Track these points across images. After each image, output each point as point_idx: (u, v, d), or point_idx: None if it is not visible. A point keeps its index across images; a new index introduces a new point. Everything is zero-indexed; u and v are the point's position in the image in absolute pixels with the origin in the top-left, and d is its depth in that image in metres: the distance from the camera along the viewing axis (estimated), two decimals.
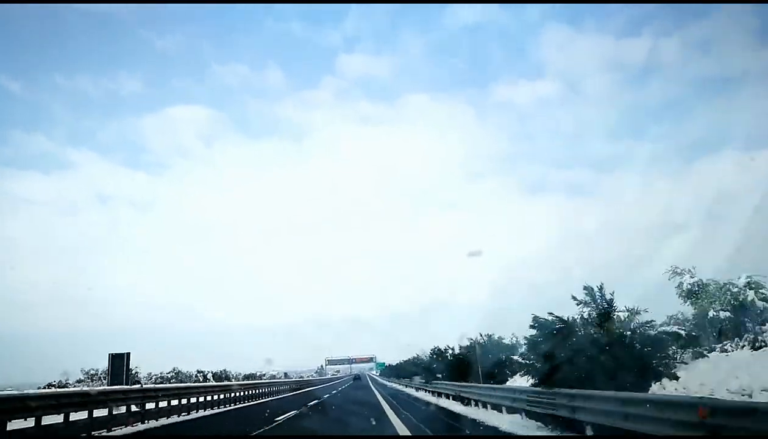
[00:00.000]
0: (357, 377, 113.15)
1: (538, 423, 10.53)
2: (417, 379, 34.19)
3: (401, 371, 50.62)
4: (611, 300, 11.28)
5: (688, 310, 21.43)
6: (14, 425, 9.14)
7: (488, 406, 15.32)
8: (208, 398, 19.95)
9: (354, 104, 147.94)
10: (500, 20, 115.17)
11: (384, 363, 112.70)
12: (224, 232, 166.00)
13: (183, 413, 16.90)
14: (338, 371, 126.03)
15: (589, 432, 8.09)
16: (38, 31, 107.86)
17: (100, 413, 11.90)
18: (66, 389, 19.62)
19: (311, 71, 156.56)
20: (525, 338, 14.89)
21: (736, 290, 19.22)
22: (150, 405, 14.74)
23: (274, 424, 13.45)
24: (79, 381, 26.47)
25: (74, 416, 10.70)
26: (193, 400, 18.11)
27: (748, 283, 19.20)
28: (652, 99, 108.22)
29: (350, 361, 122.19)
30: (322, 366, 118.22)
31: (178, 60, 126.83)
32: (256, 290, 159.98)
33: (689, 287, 20.53)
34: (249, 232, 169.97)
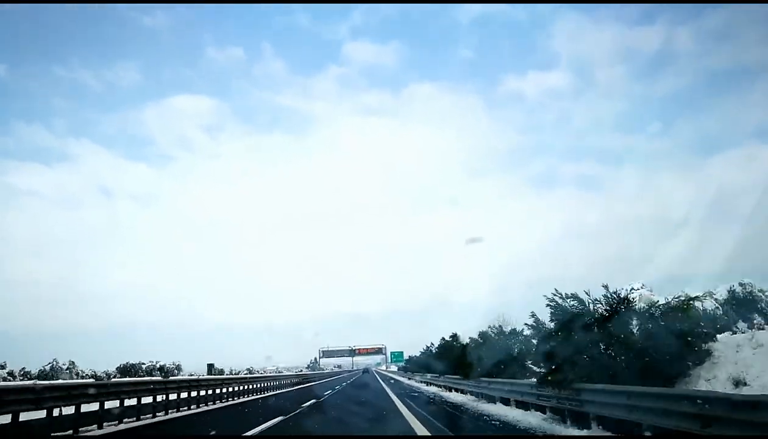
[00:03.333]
0: (366, 371, 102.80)
1: None
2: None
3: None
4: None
5: None
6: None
7: None
8: None
9: (359, 94, 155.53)
10: (510, 10, 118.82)
11: (402, 353, 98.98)
12: (220, 226, 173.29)
13: None
14: (340, 366, 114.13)
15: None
16: (32, 21, 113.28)
17: None
18: None
19: (315, 60, 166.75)
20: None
21: None
22: None
23: None
24: None
25: None
26: None
27: None
28: (665, 90, 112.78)
29: (352, 352, 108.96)
30: (315, 359, 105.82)
31: (177, 49, 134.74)
32: (254, 286, 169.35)
33: None
34: (246, 226, 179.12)
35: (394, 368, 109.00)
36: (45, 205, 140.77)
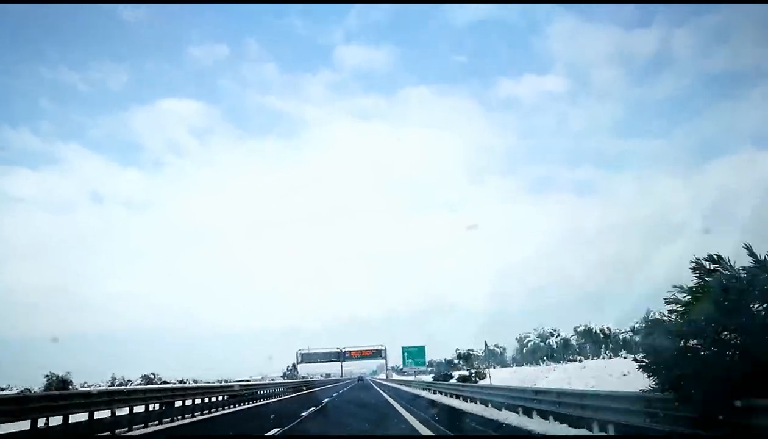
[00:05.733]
0: (360, 379, 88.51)
1: None
2: None
3: None
4: None
5: None
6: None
7: None
8: None
9: (352, 98, 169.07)
10: (504, 13, 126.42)
11: (424, 350, 77.02)
12: (211, 231, 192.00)
13: None
14: (329, 375, 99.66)
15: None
16: (17, 19, 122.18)
17: None
18: None
19: (308, 64, 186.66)
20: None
21: None
22: None
23: None
24: None
25: None
26: None
27: None
28: (664, 94, 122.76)
29: (341, 355, 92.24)
30: (293, 365, 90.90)
31: (167, 52, 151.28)
32: (244, 292, 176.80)
33: None
34: (237, 231, 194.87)
35: (397, 376, 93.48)
36: (33, 211, 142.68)
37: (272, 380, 66.72)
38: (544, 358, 66.32)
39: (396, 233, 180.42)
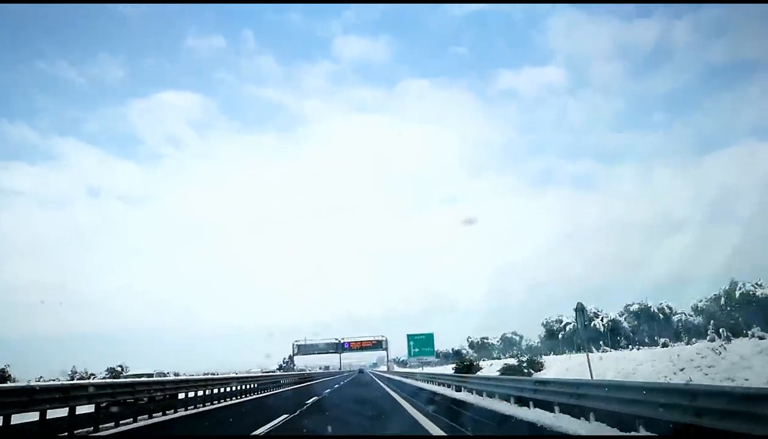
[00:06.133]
0: (361, 371, 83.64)
1: None
2: None
3: None
4: None
5: None
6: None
7: None
8: None
9: (351, 90, 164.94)
10: (504, 5, 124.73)
11: (432, 338, 67.99)
12: (210, 226, 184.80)
13: None
14: (327, 367, 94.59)
15: None
16: (16, 20, 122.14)
17: None
18: None
19: (306, 56, 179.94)
20: None
21: None
22: None
23: None
24: None
25: None
26: None
27: None
28: (665, 87, 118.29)
29: (340, 346, 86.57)
30: (290, 357, 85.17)
31: (164, 46, 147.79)
32: (245, 288, 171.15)
33: None
34: (236, 226, 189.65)
35: (399, 368, 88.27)
36: (29, 206, 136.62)
37: (272, 373, 60.41)
38: (600, 344, 59.32)
39: (395, 228, 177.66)
